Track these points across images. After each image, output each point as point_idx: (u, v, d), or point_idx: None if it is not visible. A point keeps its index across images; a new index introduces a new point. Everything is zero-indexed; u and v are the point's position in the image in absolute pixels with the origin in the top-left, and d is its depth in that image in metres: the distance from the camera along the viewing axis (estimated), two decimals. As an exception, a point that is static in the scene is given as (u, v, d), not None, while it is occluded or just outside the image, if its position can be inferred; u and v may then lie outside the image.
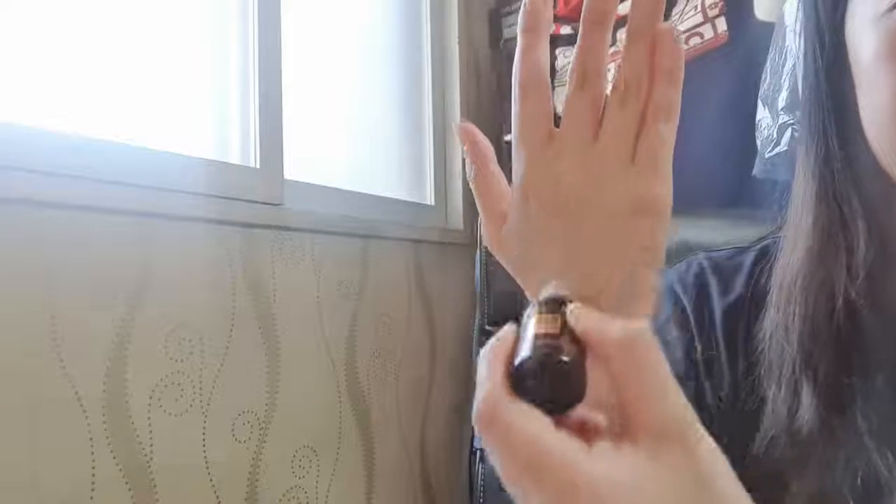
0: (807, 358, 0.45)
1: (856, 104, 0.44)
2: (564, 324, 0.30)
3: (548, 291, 0.33)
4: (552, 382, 0.28)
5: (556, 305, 0.31)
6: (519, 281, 0.39)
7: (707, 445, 0.28)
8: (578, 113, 0.36)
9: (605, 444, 0.28)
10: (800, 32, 0.48)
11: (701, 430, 0.28)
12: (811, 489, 0.44)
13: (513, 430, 0.27)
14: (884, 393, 0.44)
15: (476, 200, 0.40)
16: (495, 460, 0.28)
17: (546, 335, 0.29)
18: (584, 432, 0.29)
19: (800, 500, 0.44)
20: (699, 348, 0.51)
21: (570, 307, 0.31)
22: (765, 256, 0.51)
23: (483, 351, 0.30)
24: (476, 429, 0.29)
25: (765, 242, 0.53)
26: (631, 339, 0.28)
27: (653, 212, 0.36)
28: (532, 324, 0.30)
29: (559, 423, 0.29)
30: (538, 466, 0.27)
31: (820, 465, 0.44)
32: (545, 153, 0.37)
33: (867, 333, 0.44)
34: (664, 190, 0.36)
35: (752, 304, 0.50)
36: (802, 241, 0.46)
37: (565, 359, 0.28)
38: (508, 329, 0.31)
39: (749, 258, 0.53)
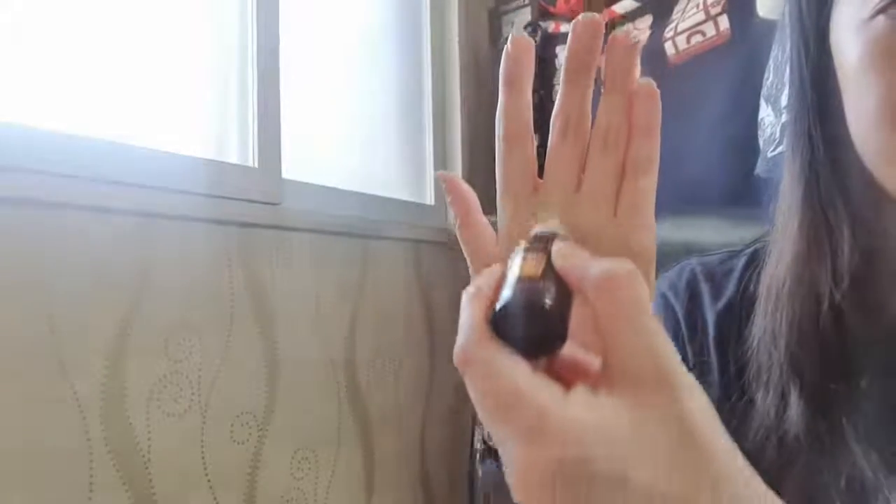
0: (793, 362, 0.45)
1: (841, 108, 0.44)
2: (548, 264, 0.29)
3: (539, 228, 0.31)
4: (532, 326, 0.27)
5: (542, 244, 0.30)
6: None
7: (689, 392, 0.26)
8: (561, 164, 0.37)
9: (582, 388, 0.27)
10: (786, 37, 0.49)
11: (687, 378, 0.27)
12: (798, 492, 0.44)
13: (488, 371, 0.27)
14: (869, 396, 0.44)
15: (462, 248, 0.40)
16: (474, 401, 0.28)
17: (528, 277, 0.28)
18: (577, 374, 0.28)
19: (787, 502, 0.45)
20: (690, 355, 0.51)
21: (555, 245, 0.29)
22: (756, 260, 0.52)
23: (465, 292, 0.30)
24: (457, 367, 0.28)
25: (756, 246, 0.53)
26: (612, 279, 0.27)
27: (636, 263, 0.36)
28: (516, 264, 0.29)
29: (543, 366, 0.28)
30: (509, 407, 0.26)
31: (807, 467, 0.44)
32: (530, 203, 0.37)
33: (853, 337, 0.44)
34: (647, 241, 0.36)
35: (743, 308, 0.50)
36: (789, 245, 0.47)
37: (546, 302, 0.27)
38: (494, 269, 0.30)
39: (741, 262, 0.53)
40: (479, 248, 0.39)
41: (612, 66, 0.36)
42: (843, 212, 0.45)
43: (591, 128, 0.37)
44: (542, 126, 0.38)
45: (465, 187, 0.40)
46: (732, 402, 0.48)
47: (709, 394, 0.50)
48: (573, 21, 0.36)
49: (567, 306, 0.28)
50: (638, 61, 0.36)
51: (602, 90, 0.36)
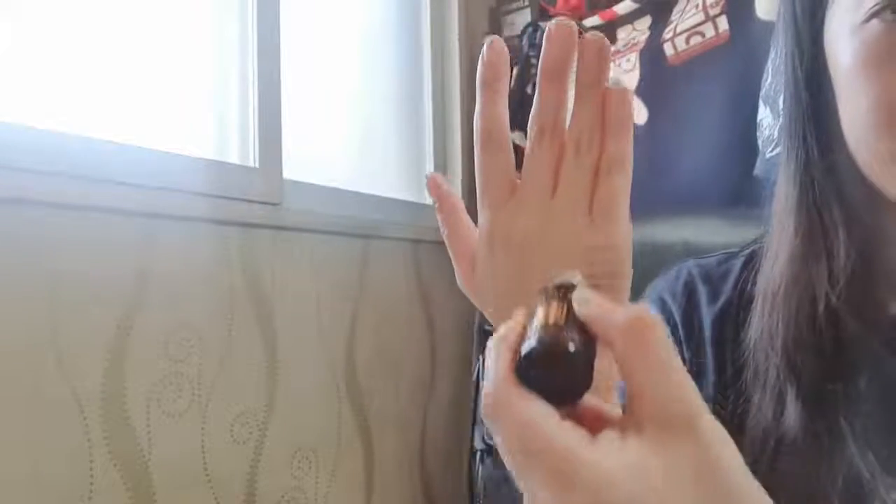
0: (790, 364, 0.45)
1: (836, 111, 0.44)
2: (570, 312, 0.29)
3: (558, 278, 0.32)
4: (557, 373, 0.28)
5: (563, 292, 0.30)
6: (492, 322, 0.40)
7: (716, 435, 0.27)
8: (537, 168, 0.38)
9: (610, 433, 0.27)
10: (780, 40, 0.49)
11: (710, 419, 0.27)
12: (796, 492, 0.44)
13: (515, 419, 0.27)
14: (866, 397, 0.44)
15: (448, 248, 0.42)
16: (501, 450, 0.28)
17: (552, 325, 0.28)
18: (600, 422, 0.29)
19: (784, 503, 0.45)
20: (687, 357, 0.52)
21: (576, 293, 0.30)
22: (753, 261, 0.52)
23: (491, 339, 0.30)
24: (484, 419, 0.28)
25: (753, 247, 0.54)
26: (634, 324, 0.27)
27: (608, 263, 0.37)
28: (539, 312, 0.29)
29: (568, 414, 0.28)
30: (537, 454, 0.26)
31: (804, 468, 0.44)
32: (508, 206, 0.39)
33: (850, 338, 0.45)
34: (620, 241, 0.37)
35: (740, 310, 0.51)
36: (785, 247, 0.47)
37: (570, 349, 0.28)
38: (518, 316, 0.30)
39: (738, 263, 0.54)
40: (463, 248, 0.41)
41: (584, 68, 0.37)
42: (839, 213, 0.45)
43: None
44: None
45: (450, 190, 0.42)
46: (730, 404, 0.49)
47: (704, 396, 0.50)
48: (547, 27, 0.37)
49: (592, 353, 0.28)
50: (609, 63, 0.37)
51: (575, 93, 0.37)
